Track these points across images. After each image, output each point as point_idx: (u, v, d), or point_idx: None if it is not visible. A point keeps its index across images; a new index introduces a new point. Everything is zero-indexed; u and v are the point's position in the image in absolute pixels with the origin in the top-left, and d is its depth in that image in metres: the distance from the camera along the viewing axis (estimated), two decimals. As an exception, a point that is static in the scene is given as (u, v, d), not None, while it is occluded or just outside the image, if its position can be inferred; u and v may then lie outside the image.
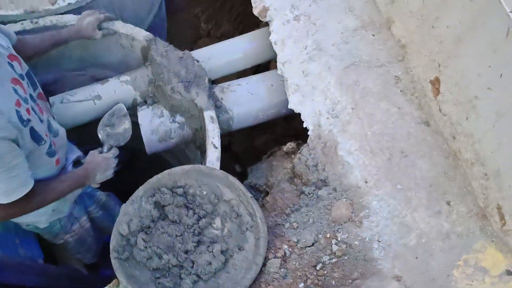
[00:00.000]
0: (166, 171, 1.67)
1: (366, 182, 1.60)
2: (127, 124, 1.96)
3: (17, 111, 1.38)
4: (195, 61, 1.98)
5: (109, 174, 1.82)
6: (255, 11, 1.92)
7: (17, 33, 1.98)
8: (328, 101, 1.76)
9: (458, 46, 1.51)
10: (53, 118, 1.78)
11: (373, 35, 1.87)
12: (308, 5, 1.91)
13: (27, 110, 1.45)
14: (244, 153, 3.25)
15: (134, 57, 2.15)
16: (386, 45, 1.85)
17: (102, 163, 1.79)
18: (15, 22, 2.00)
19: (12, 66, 1.46)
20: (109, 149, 1.88)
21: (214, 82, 2.15)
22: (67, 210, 1.96)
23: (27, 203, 1.49)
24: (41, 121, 1.56)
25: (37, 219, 1.85)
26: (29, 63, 1.66)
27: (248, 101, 2.05)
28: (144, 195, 1.64)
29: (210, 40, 3.49)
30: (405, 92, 1.75)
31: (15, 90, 1.42)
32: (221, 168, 1.77)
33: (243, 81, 2.11)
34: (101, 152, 1.85)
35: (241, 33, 2.67)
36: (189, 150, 2.43)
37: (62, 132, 1.77)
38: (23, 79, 1.51)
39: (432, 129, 1.67)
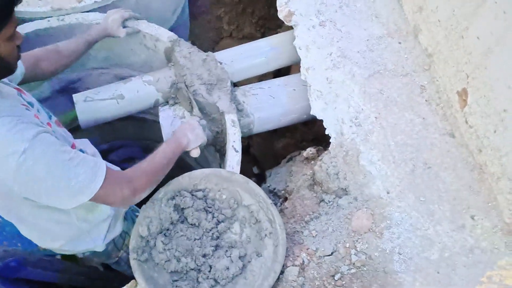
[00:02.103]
0: (186, 174, 1.68)
1: (388, 193, 1.58)
2: None
3: None
4: (218, 64, 1.98)
5: (200, 133, 1.71)
6: (280, 15, 1.91)
7: (43, 30, 2.05)
8: (351, 109, 1.74)
9: (488, 57, 1.48)
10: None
11: (399, 43, 1.84)
12: (334, 11, 1.89)
13: None
14: (262, 155, 3.24)
15: (157, 58, 2.16)
16: (412, 54, 1.83)
17: (187, 124, 1.72)
18: (42, 19, 2.04)
19: (20, 95, 1.39)
20: None
21: (235, 84, 2.15)
22: (120, 228, 1.87)
23: (128, 182, 1.40)
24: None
25: (95, 243, 1.77)
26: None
27: (269, 106, 2.04)
28: (164, 197, 1.65)
29: (232, 41, 3.51)
30: (430, 103, 1.73)
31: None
32: (240, 169, 1.77)
33: (265, 84, 2.10)
34: None
35: (263, 35, 2.67)
36: (208, 152, 2.43)
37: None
38: (32, 107, 1.41)
39: (457, 141, 1.64)
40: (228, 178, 1.66)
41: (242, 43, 3.06)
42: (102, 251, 1.84)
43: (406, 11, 1.88)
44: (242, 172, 1.72)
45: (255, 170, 3.19)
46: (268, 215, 1.59)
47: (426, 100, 1.73)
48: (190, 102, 1.97)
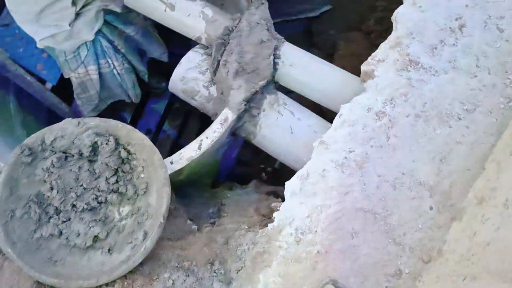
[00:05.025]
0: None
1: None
2: None
3: None
4: (271, 57, 1.65)
5: None
6: (363, 67, 1.50)
7: None
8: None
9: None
10: None
11: None
12: (403, 126, 1.44)
13: None
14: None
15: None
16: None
17: None
18: None
19: None
20: None
21: (279, 88, 1.81)
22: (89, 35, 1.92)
23: None
24: None
25: None
26: None
27: (281, 135, 1.71)
28: (100, 125, 1.47)
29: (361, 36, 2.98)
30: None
31: None
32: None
33: (298, 112, 1.74)
34: None
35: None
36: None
37: None
38: None
39: None
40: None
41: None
42: None
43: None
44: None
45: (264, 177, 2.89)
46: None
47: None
48: (215, 69, 1.69)
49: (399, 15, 1.47)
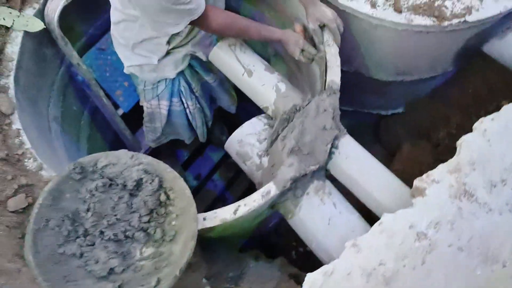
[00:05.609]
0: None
1: None
2: None
3: None
4: (328, 145, 1.66)
5: (301, 43, 1.81)
6: (416, 182, 1.47)
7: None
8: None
9: None
10: None
11: None
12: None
13: None
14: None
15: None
16: None
17: (295, 35, 1.84)
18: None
19: None
20: None
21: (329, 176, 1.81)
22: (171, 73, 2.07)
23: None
24: None
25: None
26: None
27: (318, 223, 1.68)
28: (151, 163, 1.54)
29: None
30: None
31: None
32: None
33: (340, 204, 1.71)
34: None
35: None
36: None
37: None
38: None
39: None
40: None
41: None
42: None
43: None
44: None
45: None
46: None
47: None
48: (273, 141, 1.74)
49: (465, 142, 1.44)
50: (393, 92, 2.48)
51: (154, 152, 2.85)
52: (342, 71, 2.15)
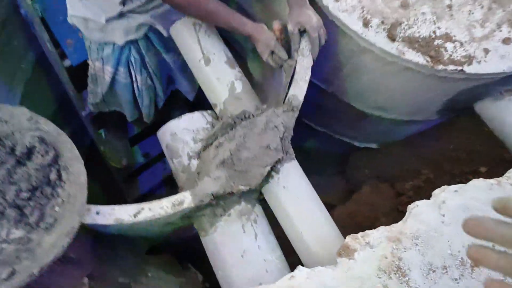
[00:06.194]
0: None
1: None
2: None
3: None
4: (268, 167, 1.42)
5: (272, 44, 1.53)
6: (347, 239, 1.23)
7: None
8: None
9: None
10: None
11: None
12: None
13: None
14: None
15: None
16: None
17: (268, 34, 1.55)
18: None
19: None
20: None
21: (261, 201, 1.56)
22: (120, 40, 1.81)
23: None
24: None
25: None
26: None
27: (230, 252, 1.44)
28: (51, 133, 1.27)
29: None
30: None
31: None
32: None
33: (262, 238, 1.47)
34: None
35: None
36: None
37: None
38: None
39: None
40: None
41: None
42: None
43: None
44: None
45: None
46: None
47: None
48: (207, 145, 1.49)
49: (416, 209, 1.21)
50: (368, 126, 2.24)
51: (102, 118, 2.57)
52: (320, 89, 1.91)
